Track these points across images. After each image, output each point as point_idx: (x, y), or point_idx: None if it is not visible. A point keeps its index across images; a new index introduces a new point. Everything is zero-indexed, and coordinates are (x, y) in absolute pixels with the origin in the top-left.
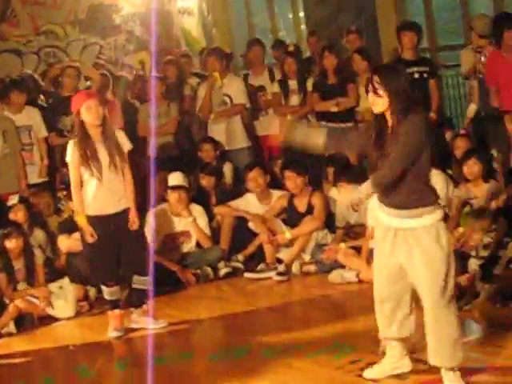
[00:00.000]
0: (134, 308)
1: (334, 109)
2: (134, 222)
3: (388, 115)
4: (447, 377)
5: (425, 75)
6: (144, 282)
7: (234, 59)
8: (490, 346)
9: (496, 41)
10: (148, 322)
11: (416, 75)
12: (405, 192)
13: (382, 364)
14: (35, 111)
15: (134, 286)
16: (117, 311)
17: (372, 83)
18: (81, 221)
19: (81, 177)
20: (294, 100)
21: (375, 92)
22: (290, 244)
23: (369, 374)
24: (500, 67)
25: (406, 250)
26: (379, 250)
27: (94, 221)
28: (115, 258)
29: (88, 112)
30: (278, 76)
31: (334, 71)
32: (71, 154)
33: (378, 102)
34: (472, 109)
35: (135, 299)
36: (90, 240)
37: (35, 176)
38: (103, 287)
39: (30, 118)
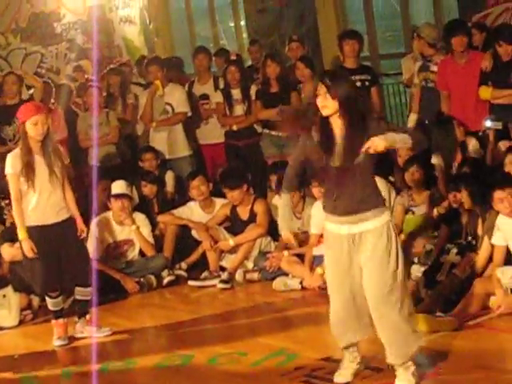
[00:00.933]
0: (77, 318)
1: (278, 117)
2: (82, 230)
3: (335, 119)
4: (398, 373)
5: (366, 83)
6: (86, 292)
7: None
8: (433, 352)
9: (447, 47)
10: (92, 331)
11: (358, 83)
12: (355, 197)
13: (346, 368)
14: None
15: (76, 297)
16: (60, 320)
17: (323, 86)
18: (21, 234)
19: (20, 188)
20: (238, 110)
21: (325, 96)
22: (233, 251)
23: (338, 378)
24: (451, 73)
25: (362, 254)
26: (335, 262)
27: (35, 231)
28: (57, 269)
29: (34, 127)
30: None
31: (277, 79)
32: (12, 165)
33: (326, 105)
34: (412, 119)
35: (78, 309)
36: (29, 255)
37: None
38: (47, 298)
39: None
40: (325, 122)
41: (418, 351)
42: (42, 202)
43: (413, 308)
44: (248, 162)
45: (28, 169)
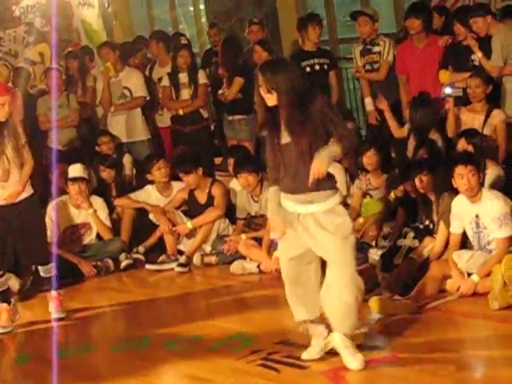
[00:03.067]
0: (51, 292)
1: (222, 98)
2: (11, 196)
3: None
4: (338, 342)
5: (325, 67)
6: (49, 269)
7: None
8: (390, 336)
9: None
10: (53, 310)
11: (317, 67)
12: (305, 177)
13: (312, 346)
14: None
15: (41, 274)
16: (5, 305)
17: (260, 79)
18: None
19: None
20: (185, 94)
21: (265, 87)
22: (191, 236)
23: (305, 355)
24: (409, 57)
25: (309, 233)
26: (284, 236)
27: None
28: (8, 249)
29: (1, 107)
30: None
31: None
32: None
33: (267, 97)
34: (368, 102)
35: (50, 285)
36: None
37: None
38: None
39: None
40: (274, 112)
41: (359, 332)
42: None
43: (362, 288)
44: (195, 148)
45: None
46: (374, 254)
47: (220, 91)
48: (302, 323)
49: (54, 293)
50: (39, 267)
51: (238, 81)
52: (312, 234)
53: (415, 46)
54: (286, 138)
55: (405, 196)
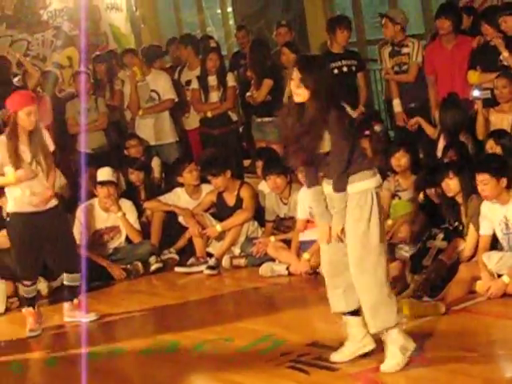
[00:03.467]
0: (65, 302)
1: (251, 101)
2: (42, 202)
3: (307, 106)
4: (386, 350)
5: (353, 68)
6: (75, 278)
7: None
8: (420, 337)
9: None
10: (80, 316)
11: (344, 69)
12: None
13: (346, 346)
14: None
15: (65, 283)
16: (31, 309)
17: (294, 74)
18: (9, 178)
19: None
20: (214, 97)
21: (298, 83)
22: (220, 238)
23: (335, 357)
24: (438, 58)
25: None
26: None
27: (16, 218)
28: (35, 258)
29: (27, 117)
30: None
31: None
32: None
33: (298, 93)
34: (396, 103)
35: (66, 294)
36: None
37: None
38: (20, 285)
39: None
40: (300, 108)
41: (398, 324)
42: (25, 191)
43: (389, 278)
44: (223, 151)
45: (16, 158)
46: (403, 256)
47: (248, 93)
48: (339, 315)
49: (75, 301)
50: (65, 275)
51: (267, 83)
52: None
53: (444, 46)
54: None
55: (426, 201)
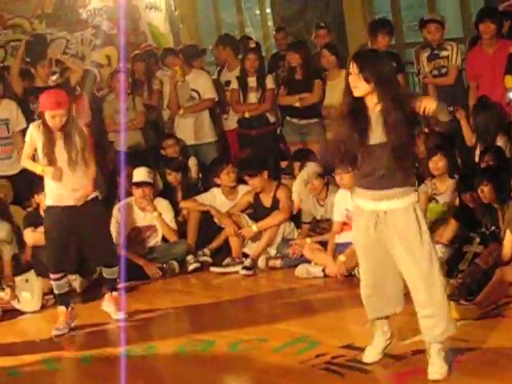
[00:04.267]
0: (108, 291)
1: (297, 104)
2: (81, 198)
3: (369, 99)
4: (431, 359)
5: None
6: (114, 272)
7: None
8: (455, 341)
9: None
10: (111, 310)
11: None
12: (388, 174)
13: (374, 345)
14: (13, 104)
15: (104, 275)
16: (63, 307)
17: (355, 66)
18: (38, 169)
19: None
20: (252, 97)
21: (357, 76)
22: (256, 239)
23: (367, 358)
24: (479, 63)
25: (389, 233)
26: (363, 236)
27: (51, 211)
28: (67, 249)
29: (52, 119)
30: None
31: (301, 67)
32: (30, 135)
33: (358, 87)
34: None
35: (106, 285)
36: (54, 174)
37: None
38: (51, 281)
39: (8, 110)
40: (357, 102)
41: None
42: (60, 185)
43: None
44: (261, 152)
45: (49, 150)
46: (440, 252)
47: (298, 96)
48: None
49: (115, 293)
50: (103, 269)
51: (319, 83)
52: (392, 237)
53: (485, 51)
54: (376, 138)
55: (460, 206)
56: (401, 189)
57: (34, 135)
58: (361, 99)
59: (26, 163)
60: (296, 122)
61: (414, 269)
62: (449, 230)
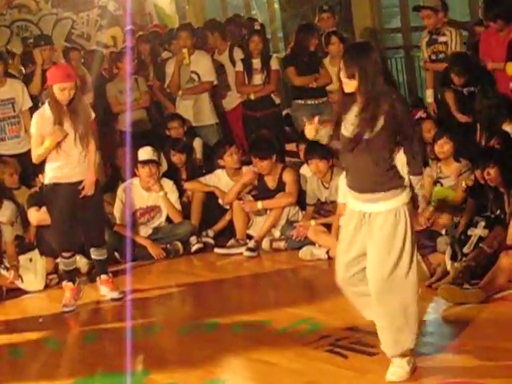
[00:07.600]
0: (98, 277)
1: (314, 84)
2: (88, 187)
3: (357, 96)
4: (393, 364)
5: None
6: (101, 252)
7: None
8: (458, 324)
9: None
10: (107, 292)
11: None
12: (368, 175)
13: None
14: (18, 83)
15: (92, 257)
16: (70, 284)
17: (342, 63)
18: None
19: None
20: (257, 79)
21: (344, 72)
22: (258, 214)
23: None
24: (494, 44)
25: (367, 234)
26: (343, 235)
27: (55, 187)
28: (71, 228)
29: (61, 92)
30: (237, 55)
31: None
32: (37, 126)
33: (347, 84)
34: (428, 94)
35: (96, 269)
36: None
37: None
38: (60, 258)
39: (14, 90)
40: (350, 99)
41: (411, 351)
42: (66, 161)
43: (417, 304)
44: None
45: (61, 122)
46: (444, 244)
47: (312, 76)
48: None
49: (104, 277)
50: (92, 250)
51: (325, 64)
52: (370, 238)
53: (499, 33)
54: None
55: (475, 185)
56: (385, 193)
57: (40, 124)
58: (353, 94)
59: (39, 151)
60: (310, 102)
61: (374, 270)
62: (468, 209)
